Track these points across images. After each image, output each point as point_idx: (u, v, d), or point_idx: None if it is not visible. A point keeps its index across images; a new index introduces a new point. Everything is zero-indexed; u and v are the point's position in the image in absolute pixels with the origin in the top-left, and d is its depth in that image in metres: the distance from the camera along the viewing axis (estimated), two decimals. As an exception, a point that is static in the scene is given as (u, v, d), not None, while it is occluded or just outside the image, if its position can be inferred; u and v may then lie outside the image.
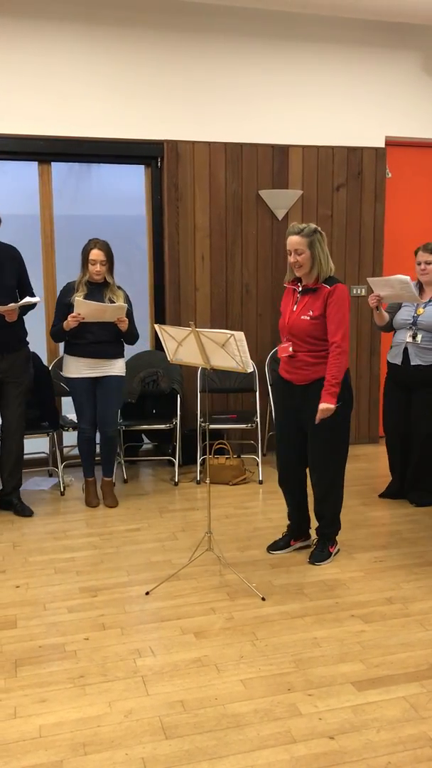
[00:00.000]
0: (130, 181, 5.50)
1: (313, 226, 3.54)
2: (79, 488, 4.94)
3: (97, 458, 4.76)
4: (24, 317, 4.38)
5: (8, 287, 4.27)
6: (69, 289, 4.50)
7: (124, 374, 4.63)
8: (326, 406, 3.47)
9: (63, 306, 4.46)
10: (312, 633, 3.08)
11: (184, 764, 2.30)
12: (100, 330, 4.43)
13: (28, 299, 4.22)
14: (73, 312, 4.34)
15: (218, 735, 2.43)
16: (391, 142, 5.83)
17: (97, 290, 4.47)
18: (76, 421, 5.00)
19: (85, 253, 4.44)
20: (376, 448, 5.89)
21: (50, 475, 5.31)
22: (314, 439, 3.64)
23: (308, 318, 3.54)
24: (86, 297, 4.40)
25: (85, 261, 4.44)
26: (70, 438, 5.46)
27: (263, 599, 3.37)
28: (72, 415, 5.11)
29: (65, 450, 5.43)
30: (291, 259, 3.54)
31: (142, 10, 5.13)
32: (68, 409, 5.29)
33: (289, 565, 3.75)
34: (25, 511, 4.48)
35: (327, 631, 3.10)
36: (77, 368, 4.50)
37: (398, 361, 4.38)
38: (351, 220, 5.78)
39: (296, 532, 3.94)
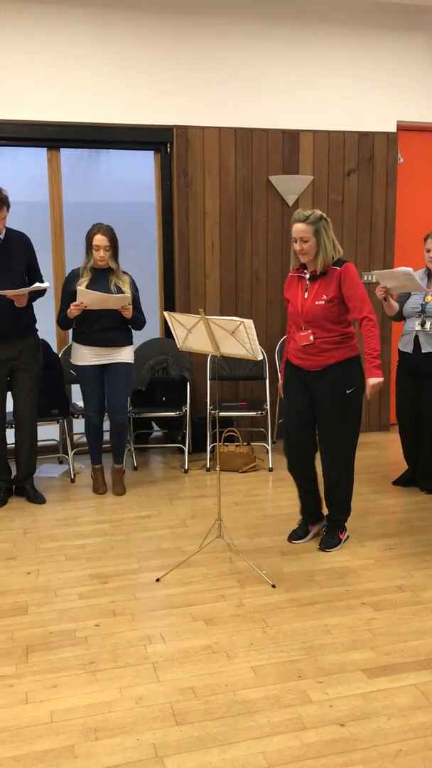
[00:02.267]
0: (140, 167, 5.47)
1: (318, 212, 3.50)
2: (89, 475, 4.95)
3: (105, 445, 4.77)
4: (33, 304, 4.37)
5: (18, 274, 4.25)
6: (74, 276, 4.46)
7: (131, 361, 4.60)
8: (375, 381, 3.50)
9: (68, 293, 4.42)
10: (322, 620, 3.08)
11: (194, 750, 2.31)
12: (107, 318, 4.40)
13: (37, 285, 4.20)
14: (76, 300, 4.31)
15: (229, 721, 2.44)
16: (402, 127, 5.77)
17: (102, 276, 4.43)
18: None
19: (89, 238, 4.38)
20: (387, 435, 5.87)
21: (60, 463, 5.33)
22: (327, 425, 3.63)
23: (323, 302, 3.52)
24: (90, 283, 4.37)
25: (89, 246, 4.39)
26: (80, 425, 5.47)
27: (273, 586, 3.37)
28: (81, 402, 5.11)
29: (75, 437, 5.44)
30: (297, 246, 3.52)
31: (151, -7, 5.08)
32: (78, 396, 5.29)
33: (300, 553, 3.74)
34: (38, 499, 4.51)
35: (337, 618, 3.09)
36: (84, 356, 4.49)
37: (409, 349, 4.36)
38: (362, 206, 5.73)
39: (312, 517, 3.91)
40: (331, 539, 3.79)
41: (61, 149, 5.21)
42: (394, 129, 5.72)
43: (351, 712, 2.48)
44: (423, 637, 2.94)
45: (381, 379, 3.50)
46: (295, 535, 3.90)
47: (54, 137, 5.09)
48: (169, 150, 5.34)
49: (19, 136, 5.03)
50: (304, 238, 3.47)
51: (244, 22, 5.29)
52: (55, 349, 5.16)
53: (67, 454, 5.05)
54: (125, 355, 4.54)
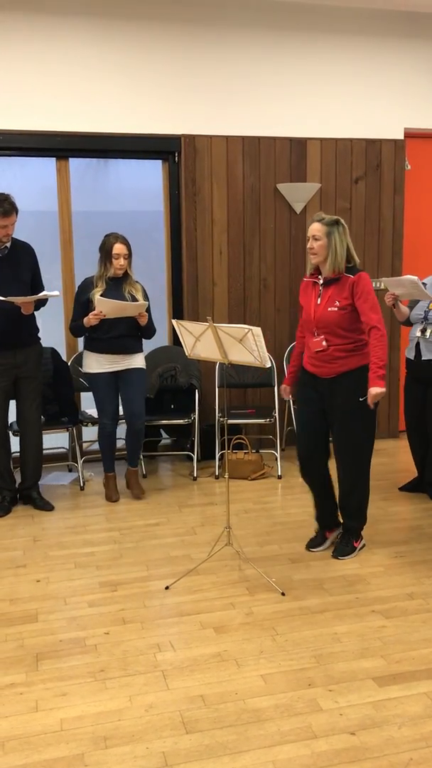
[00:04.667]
0: (148, 176, 5.49)
1: (336, 217, 3.55)
2: (99, 483, 4.96)
3: (118, 453, 4.78)
4: (36, 312, 4.41)
5: (24, 283, 4.31)
6: (87, 285, 4.50)
7: (144, 367, 4.64)
8: (377, 390, 3.43)
9: (82, 302, 4.46)
10: (332, 628, 3.07)
11: (204, 759, 2.30)
12: (119, 325, 4.43)
13: (46, 293, 4.25)
14: (93, 309, 4.35)
15: (239, 730, 2.43)
16: (410, 134, 5.78)
17: (116, 285, 4.47)
18: (95, 416, 5.02)
19: (107, 248, 4.43)
20: (396, 442, 5.86)
21: (70, 470, 5.34)
22: (340, 432, 3.63)
23: (336, 309, 3.52)
24: (105, 292, 4.41)
25: (106, 256, 4.43)
26: (89, 433, 5.48)
27: (283, 594, 3.36)
28: (91, 410, 5.12)
29: (84, 445, 5.45)
30: (309, 245, 3.57)
31: (159, 4, 5.11)
32: (87, 404, 5.31)
33: (309, 560, 3.73)
34: (45, 506, 4.52)
35: (347, 626, 3.08)
36: (98, 363, 4.51)
37: (411, 355, 4.38)
38: (370, 213, 5.74)
39: (327, 523, 3.89)
40: (345, 547, 3.77)
41: (70, 159, 5.25)
42: (401, 136, 5.73)
43: (361, 721, 2.47)
44: (433, 645, 2.93)
45: (382, 390, 3.44)
46: (313, 543, 3.88)
47: (63, 147, 5.13)
48: (177, 159, 5.37)
49: (29, 146, 5.07)
50: (316, 236, 3.51)
51: (251, 32, 5.32)
52: (64, 357, 5.18)
53: (77, 462, 5.06)
54: (138, 361, 4.58)
